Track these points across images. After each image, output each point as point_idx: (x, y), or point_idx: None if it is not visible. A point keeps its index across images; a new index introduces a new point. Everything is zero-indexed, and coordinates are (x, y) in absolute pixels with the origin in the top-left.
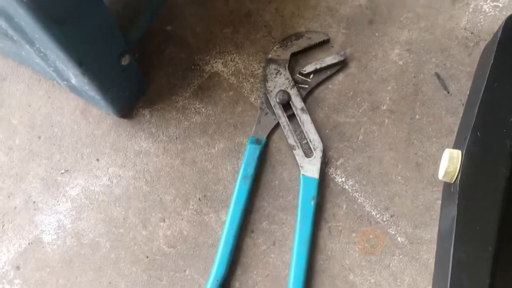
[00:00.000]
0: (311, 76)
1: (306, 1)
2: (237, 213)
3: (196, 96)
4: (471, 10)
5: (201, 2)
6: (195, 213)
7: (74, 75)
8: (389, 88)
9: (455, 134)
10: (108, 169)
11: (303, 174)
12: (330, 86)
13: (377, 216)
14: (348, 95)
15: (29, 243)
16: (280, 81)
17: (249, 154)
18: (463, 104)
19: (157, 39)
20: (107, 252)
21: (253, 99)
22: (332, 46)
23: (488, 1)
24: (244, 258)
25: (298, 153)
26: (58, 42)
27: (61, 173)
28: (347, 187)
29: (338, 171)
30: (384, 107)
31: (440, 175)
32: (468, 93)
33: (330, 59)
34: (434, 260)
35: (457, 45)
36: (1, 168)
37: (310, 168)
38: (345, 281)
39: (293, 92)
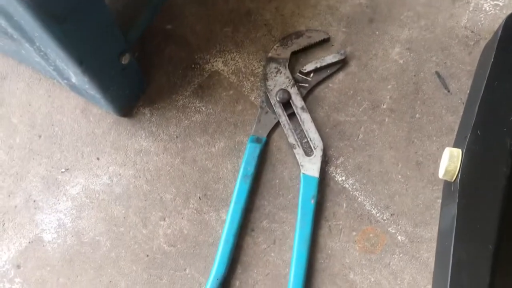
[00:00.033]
0: (311, 74)
1: (306, 0)
2: (237, 212)
3: (196, 95)
4: (471, 8)
5: (201, 1)
6: (195, 212)
7: (74, 74)
8: (389, 87)
9: (455, 133)
10: (108, 168)
11: (303, 173)
12: (330, 85)
13: (377, 214)
14: (348, 94)
15: (29, 242)
16: (280, 80)
17: (249, 153)
18: (463, 103)
19: (157, 38)
20: (108, 251)
21: (253, 98)
22: (332, 45)
23: (489, 0)
24: (245, 257)
25: (298, 152)
26: (58, 40)
27: (62, 172)
28: (347, 185)
29: (339, 170)
30: (385, 106)
31: (440, 173)
32: (468, 91)
33: (330, 58)
34: (434, 259)
35: (458, 44)
36: (1, 167)
37: (310, 167)
38: (345, 279)
39: (293, 91)
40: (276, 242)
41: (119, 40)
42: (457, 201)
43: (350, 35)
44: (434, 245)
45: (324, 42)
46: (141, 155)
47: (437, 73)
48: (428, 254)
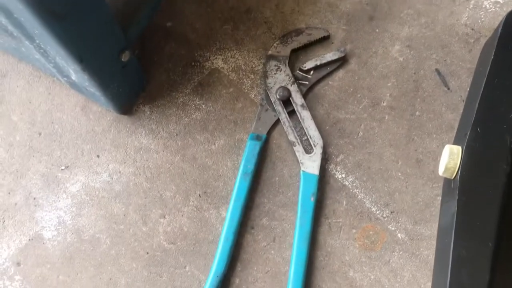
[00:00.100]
0: (311, 72)
1: None
2: (237, 210)
3: (196, 92)
4: (471, 6)
5: None
6: (195, 209)
7: (74, 72)
8: (389, 84)
9: (455, 131)
10: (108, 165)
11: (303, 171)
12: (330, 82)
13: (377, 212)
14: (348, 91)
15: (29, 239)
16: (280, 77)
17: (249, 150)
18: (463, 101)
19: (157, 36)
20: (108, 248)
21: (253, 96)
22: (332, 43)
23: None
24: (244, 255)
25: (298, 149)
26: (58, 38)
27: (62, 169)
28: (347, 183)
29: (338, 167)
30: (384, 104)
31: (440, 171)
32: (468, 89)
33: (330, 56)
34: (434, 256)
35: (458, 41)
36: (1, 165)
37: (310, 165)
38: (345, 277)
39: (293, 89)
40: (276, 239)
41: (119, 38)
42: (457, 198)
43: (350, 32)
44: (434, 242)
45: (324, 39)
46: (141, 152)
47: (437, 71)
48: (428, 251)
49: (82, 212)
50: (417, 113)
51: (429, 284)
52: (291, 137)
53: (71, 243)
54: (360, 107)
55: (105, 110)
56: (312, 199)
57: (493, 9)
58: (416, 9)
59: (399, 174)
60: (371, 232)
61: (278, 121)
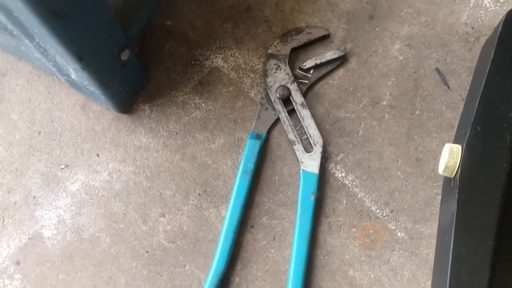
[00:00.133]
0: (311, 71)
1: None
2: (237, 208)
3: (196, 91)
4: (471, 5)
5: None
6: (195, 208)
7: (73, 70)
8: (389, 83)
9: (455, 130)
10: (108, 164)
11: (303, 169)
12: (330, 81)
13: (377, 211)
14: (348, 90)
15: (29, 238)
16: (280, 76)
17: (249, 149)
18: (463, 99)
19: (157, 34)
20: (107, 247)
21: (253, 94)
22: (332, 41)
23: None
24: (244, 253)
25: (298, 148)
26: (58, 36)
27: (61, 168)
28: (347, 182)
29: (338, 166)
30: (384, 102)
31: (440, 169)
32: (468, 88)
33: (330, 54)
34: (434, 255)
35: (458, 40)
36: (1, 163)
37: (310, 163)
38: (345, 276)
39: (293, 87)
40: (276, 238)
41: (118, 36)
42: (457, 197)
43: (350, 31)
44: (434, 241)
45: (324, 38)
46: (141, 151)
47: (437, 70)
48: (428, 250)
49: (82, 211)
50: (417, 112)
51: (429, 283)
52: (291, 136)
53: (71, 242)
54: (360, 106)
55: (105, 109)
56: (312, 198)
57: (493, 8)
58: (416, 7)
59: (399, 173)
60: (371, 231)
61: (278, 120)
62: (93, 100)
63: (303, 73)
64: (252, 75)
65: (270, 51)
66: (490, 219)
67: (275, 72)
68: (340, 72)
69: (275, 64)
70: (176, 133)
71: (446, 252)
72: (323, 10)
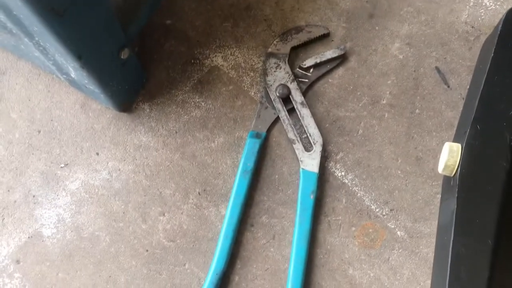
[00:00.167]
0: (311, 70)
1: None
2: (237, 207)
3: (196, 90)
4: (471, 4)
5: None
6: (194, 207)
7: (73, 69)
8: (389, 82)
9: (455, 128)
10: (107, 163)
11: (302, 168)
12: (330, 80)
13: (377, 210)
14: (348, 89)
15: (29, 237)
16: (280, 75)
17: (249, 148)
18: (463, 98)
19: (157, 33)
20: (107, 246)
21: (253, 93)
22: (332, 40)
23: None
24: (244, 252)
25: (298, 147)
26: (57, 35)
27: (61, 167)
28: (346, 181)
29: (338, 165)
30: (384, 101)
31: (440, 168)
32: (468, 87)
33: (330, 53)
34: (433, 254)
35: (458, 39)
36: (1, 162)
37: (310, 162)
38: (345, 275)
39: (293, 86)
40: (276, 237)
41: (118, 35)
42: (456, 195)
43: (350, 30)
44: (434, 240)
45: (324, 37)
46: (141, 150)
47: (437, 69)
48: (428, 249)
49: (82, 209)
50: (417, 111)
51: (429, 281)
52: (291, 135)
53: (71, 240)
54: (360, 105)
55: (105, 107)
56: (312, 197)
57: (493, 7)
58: (416, 6)
59: (399, 172)
60: (370, 230)
61: (277, 119)
62: (93, 98)
63: (303, 72)
64: (252, 74)
65: (270, 50)
66: (489, 218)
67: (275, 71)
68: (340, 71)
69: (275, 63)
70: (176, 132)
71: (445, 251)
72: (323, 9)
